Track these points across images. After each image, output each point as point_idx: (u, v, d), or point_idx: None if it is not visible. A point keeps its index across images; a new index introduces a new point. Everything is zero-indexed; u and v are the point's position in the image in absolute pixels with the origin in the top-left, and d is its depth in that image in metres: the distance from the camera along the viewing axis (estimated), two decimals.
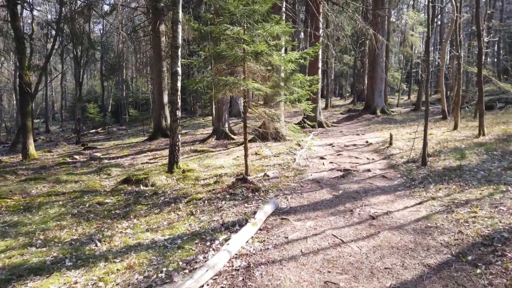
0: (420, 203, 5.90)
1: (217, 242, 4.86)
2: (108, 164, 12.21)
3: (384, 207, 5.86)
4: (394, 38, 27.93)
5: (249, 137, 14.45)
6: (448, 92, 20.40)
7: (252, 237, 4.93)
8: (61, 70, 31.70)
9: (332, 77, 32.93)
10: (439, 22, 32.96)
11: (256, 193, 7.04)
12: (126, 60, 29.94)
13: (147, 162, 11.96)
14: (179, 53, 9.67)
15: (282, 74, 8.92)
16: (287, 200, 6.62)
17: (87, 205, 7.50)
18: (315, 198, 6.67)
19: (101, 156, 13.96)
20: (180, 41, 9.71)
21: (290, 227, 5.24)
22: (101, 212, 6.98)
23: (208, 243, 4.88)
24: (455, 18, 12.64)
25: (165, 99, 18.56)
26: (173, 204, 7.03)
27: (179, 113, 9.75)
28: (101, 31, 31.40)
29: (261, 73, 8.64)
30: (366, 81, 26.40)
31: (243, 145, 14.13)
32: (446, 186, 6.70)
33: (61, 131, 32.01)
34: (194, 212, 6.39)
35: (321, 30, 16.73)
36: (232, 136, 15.51)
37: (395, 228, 4.92)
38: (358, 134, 14.13)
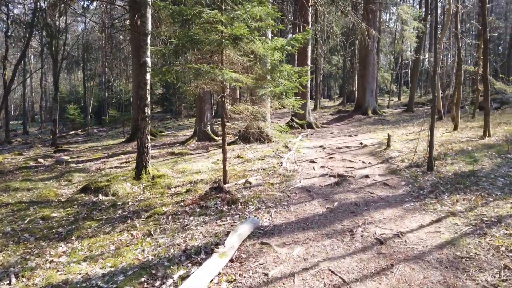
0: (438, 220, 4.58)
1: (169, 282, 3.44)
2: (73, 168, 10.67)
3: (392, 225, 4.53)
4: (384, 38, 26.87)
5: (232, 138, 13.08)
6: (443, 92, 19.31)
7: (220, 273, 3.54)
8: (41, 69, 29.83)
9: (321, 78, 31.74)
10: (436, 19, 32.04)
11: (233, 205, 5.64)
12: (109, 59, 28.24)
13: (116, 167, 10.45)
14: (148, 41, 8.23)
15: (268, 66, 7.56)
16: (271, 215, 5.24)
17: (26, 221, 6.00)
18: (305, 212, 5.30)
19: (69, 160, 12.38)
20: (149, 27, 8.28)
21: (272, 257, 3.85)
22: (40, 231, 5.49)
23: (158, 283, 3.46)
24: (453, 8, 11.47)
25: None
26: (129, 221, 5.58)
27: (148, 110, 8.31)
28: (83, 29, 29.62)
29: (242, 64, 7.27)
30: (356, 80, 25.26)
31: (228, 146, 12.76)
32: (464, 196, 5.40)
33: (40, 132, 30.12)
34: (152, 232, 4.96)
35: (310, 25, 15.45)
36: (215, 137, 14.09)
37: (413, 259, 3.58)
38: (350, 136, 12.86)
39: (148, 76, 8.25)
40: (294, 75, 7.15)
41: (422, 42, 19.92)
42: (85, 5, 19.68)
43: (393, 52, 27.91)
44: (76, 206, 6.87)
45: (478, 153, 7.88)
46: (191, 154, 11.37)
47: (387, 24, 26.00)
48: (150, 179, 8.17)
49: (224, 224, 4.93)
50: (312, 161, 8.95)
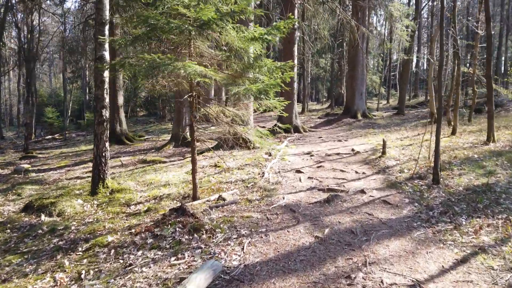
0: (464, 260, 3.36)
1: None
2: (29, 179, 9.22)
3: (403, 267, 3.30)
4: (372, 39, 25.92)
5: (213, 143, 11.78)
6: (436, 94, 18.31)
7: None
8: (25, 73, 28.01)
9: (309, 81, 30.65)
10: (425, 16, 31.20)
11: (196, 234, 4.34)
12: (89, 60, 26.64)
13: (78, 177, 9.05)
14: (106, 32, 6.90)
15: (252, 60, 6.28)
16: (243, 248, 3.95)
17: None
18: (288, 243, 4.04)
19: (29, 168, 10.90)
20: (107, 15, 6.95)
21: None
22: None
23: None
24: (451, 4, 10.40)
25: (120, 100, 15.66)
26: (60, 255, 4.23)
27: (106, 113, 6.96)
28: (58, 28, 27.86)
29: (215, 58, 6.01)
30: (345, 83, 24.21)
31: (203, 153, 11.45)
32: (487, 221, 4.22)
33: (17, 137, 28.26)
34: (83, 275, 3.63)
35: (296, 23, 14.29)
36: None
37: None
38: (340, 141, 11.67)
39: (106, 73, 6.91)
40: (276, 71, 5.91)
41: (413, 42, 18.94)
42: (57, 1, 18.13)
43: (381, 54, 27.01)
44: (9, 230, 5.49)
45: (487, 162, 6.74)
46: (164, 162, 10.02)
47: (375, 26, 25.08)
48: (108, 194, 6.82)
49: (179, 264, 3.63)
50: (298, 171, 7.71)
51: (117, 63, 5.09)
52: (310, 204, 5.47)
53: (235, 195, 6.27)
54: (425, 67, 35.21)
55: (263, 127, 17.19)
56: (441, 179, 5.95)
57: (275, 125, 12.96)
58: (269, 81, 5.39)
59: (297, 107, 27.11)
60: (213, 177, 7.69)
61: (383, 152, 8.19)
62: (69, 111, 26.48)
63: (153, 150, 12.77)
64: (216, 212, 5.21)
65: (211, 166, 8.62)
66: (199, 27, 5.13)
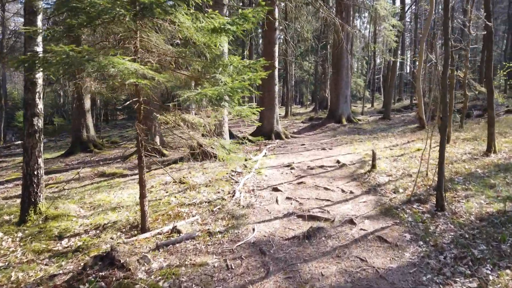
0: None
1: None
2: None
3: None
4: (356, 42, 24.97)
5: (182, 154, 10.45)
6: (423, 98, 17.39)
7: None
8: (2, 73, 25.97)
9: (292, 84, 29.55)
10: (408, 19, 30.52)
11: None
12: None
13: (17, 196, 7.57)
14: (39, 23, 5.52)
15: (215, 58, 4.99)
16: None
17: None
18: None
19: None
20: (40, 3, 5.56)
21: None
22: None
23: None
24: None
25: (87, 104, 14.11)
26: None
27: (39, 122, 5.57)
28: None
29: (167, 54, 4.71)
30: (329, 86, 23.15)
31: (175, 164, 10.07)
32: None
33: None
34: None
35: (277, 22, 13.08)
36: (164, 151, 11.36)
37: None
38: (324, 149, 10.47)
39: (40, 74, 5.52)
40: (243, 71, 4.65)
41: (400, 43, 17.97)
42: None
43: (366, 57, 26.10)
44: None
45: (495, 179, 5.63)
46: (125, 176, 8.62)
47: (359, 29, 24.13)
48: (40, 223, 5.41)
49: None
50: (275, 189, 6.46)
51: (26, 59, 3.72)
52: (286, 240, 4.21)
53: (195, 225, 4.97)
54: (408, 70, 34.57)
55: (244, 132, 15.91)
56: (446, 203, 4.79)
57: (245, 137, 11.67)
58: (233, 83, 4.11)
59: (281, 111, 25.94)
60: (175, 196, 6.36)
61: (373, 166, 7.01)
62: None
63: (118, 160, 11.32)
64: (161, 257, 3.89)
65: (175, 182, 7.28)
66: (138, 13, 3.82)
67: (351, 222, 4.54)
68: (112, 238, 4.68)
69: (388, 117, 17.17)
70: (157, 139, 11.51)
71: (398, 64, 18.12)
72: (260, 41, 28.79)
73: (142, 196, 4.79)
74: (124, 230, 5.03)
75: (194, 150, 8.39)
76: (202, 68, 4.55)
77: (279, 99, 38.56)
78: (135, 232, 4.89)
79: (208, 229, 4.73)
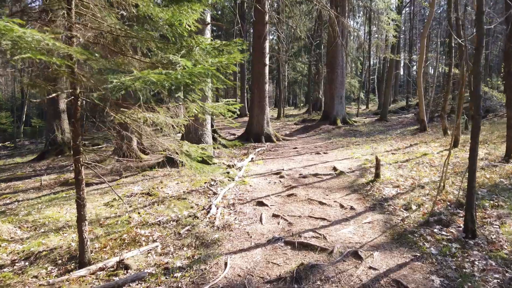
0: None
1: None
2: None
3: None
4: (350, 42, 23.91)
5: (159, 158, 9.22)
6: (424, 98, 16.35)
7: None
8: None
9: (285, 85, 28.41)
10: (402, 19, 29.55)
11: None
12: None
13: None
14: None
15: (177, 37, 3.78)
16: None
17: None
18: None
19: None
20: None
21: None
22: None
23: None
24: None
25: (62, 105, 12.83)
26: None
27: None
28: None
29: (104, 29, 3.49)
30: (323, 86, 22.03)
31: (145, 171, 8.80)
32: None
33: None
34: None
35: (267, 16, 11.92)
36: (142, 156, 10.12)
37: None
38: (318, 153, 9.30)
39: None
40: (215, 54, 3.47)
41: (396, 42, 16.91)
42: None
43: (360, 58, 25.05)
44: None
45: None
46: (90, 185, 7.37)
47: (353, 28, 23.05)
48: None
49: None
50: (260, 203, 5.27)
51: None
52: (267, 283, 3.02)
53: (152, 255, 3.76)
54: (402, 72, 33.61)
55: (233, 134, 14.70)
56: (477, 227, 3.63)
57: (219, 142, 10.49)
58: (193, 68, 2.91)
59: (273, 113, 24.77)
60: (139, 213, 5.14)
61: (376, 175, 5.83)
62: (24, 117, 23.19)
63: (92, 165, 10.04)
64: None
65: (143, 193, 6.05)
66: None
67: (355, 255, 3.36)
68: (36, 277, 3.45)
69: (385, 118, 16.08)
70: (134, 141, 10.26)
71: (394, 62, 17.03)
72: (251, 39, 27.66)
73: (80, 220, 3.57)
74: (60, 261, 3.81)
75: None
76: (156, 49, 3.35)
77: (272, 100, 37.42)
78: (72, 265, 3.67)
79: (167, 263, 3.52)
